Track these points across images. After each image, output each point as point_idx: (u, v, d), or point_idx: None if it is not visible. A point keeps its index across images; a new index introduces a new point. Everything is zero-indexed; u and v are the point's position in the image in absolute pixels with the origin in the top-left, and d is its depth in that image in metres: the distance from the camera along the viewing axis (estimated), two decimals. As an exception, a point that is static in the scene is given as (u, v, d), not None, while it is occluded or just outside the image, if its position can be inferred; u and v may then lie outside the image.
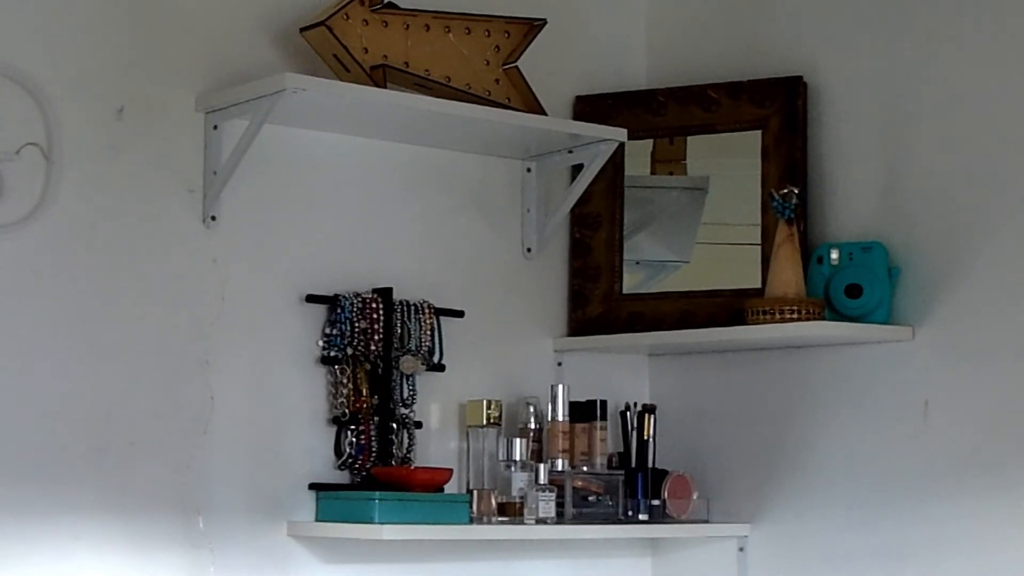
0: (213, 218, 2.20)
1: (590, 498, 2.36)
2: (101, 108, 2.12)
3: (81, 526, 2.07)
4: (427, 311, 2.34)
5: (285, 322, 2.25)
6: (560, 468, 2.36)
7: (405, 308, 2.32)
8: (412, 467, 2.28)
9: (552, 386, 2.41)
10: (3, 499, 2.02)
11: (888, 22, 2.37)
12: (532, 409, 2.41)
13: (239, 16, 2.24)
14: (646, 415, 2.46)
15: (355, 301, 2.28)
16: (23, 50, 2.07)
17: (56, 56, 2.10)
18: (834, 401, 2.37)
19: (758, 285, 2.39)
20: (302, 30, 2.21)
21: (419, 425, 2.34)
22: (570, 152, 2.44)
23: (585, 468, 2.39)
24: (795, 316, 2.26)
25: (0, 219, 2.04)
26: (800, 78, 2.43)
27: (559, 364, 2.52)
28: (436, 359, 2.35)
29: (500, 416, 2.35)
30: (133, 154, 2.15)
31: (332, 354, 2.28)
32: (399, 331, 2.31)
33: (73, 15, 2.12)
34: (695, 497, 2.44)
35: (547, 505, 2.27)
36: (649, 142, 2.54)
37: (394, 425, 2.29)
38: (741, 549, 2.45)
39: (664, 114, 2.52)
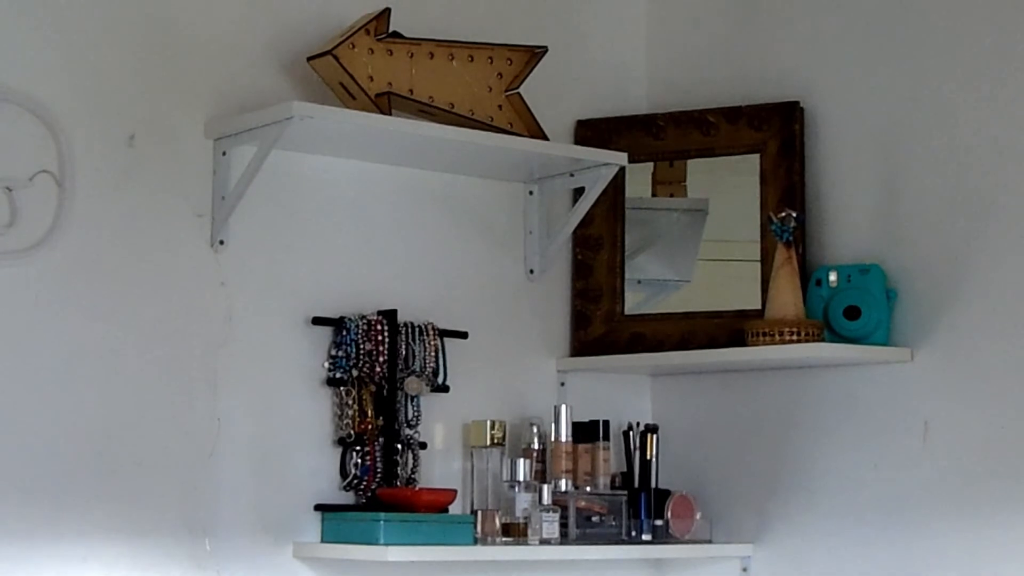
0: (221, 242, 2.23)
1: (593, 518, 2.37)
2: (113, 135, 2.15)
3: (89, 548, 2.09)
4: (431, 332, 2.36)
5: (291, 344, 2.28)
6: (563, 488, 2.37)
7: (410, 330, 2.35)
8: (416, 488, 2.30)
9: (555, 406, 2.43)
10: (12, 521, 2.04)
11: (883, 47, 2.39)
12: (535, 429, 2.42)
13: (248, 45, 2.27)
14: (648, 435, 2.47)
15: (360, 323, 2.31)
16: (37, 79, 2.10)
17: (69, 85, 2.12)
18: (834, 422, 2.38)
19: (758, 306, 2.41)
20: (309, 59, 2.24)
21: (423, 446, 2.36)
22: (572, 175, 2.46)
23: (588, 488, 2.40)
24: (795, 338, 2.28)
25: (14, 245, 2.07)
26: (797, 103, 2.46)
27: (562, 384, 2.54)
28: (440, 380, 2.38)
29: (504, 436, 2.37)
30: (144, 180, 2.17)
31: (338, 376, 2.30)
32: (404, 352, 2.33)
33: (85, 45, 2.14)
34: (698, 517, 2.45)
35: (551, 526, 2.29)
36: (650, 165, 2.56)
37: (399, 446, 2.31)
38: (744, 569, 2.46)
39: (664, 138, 2.55)
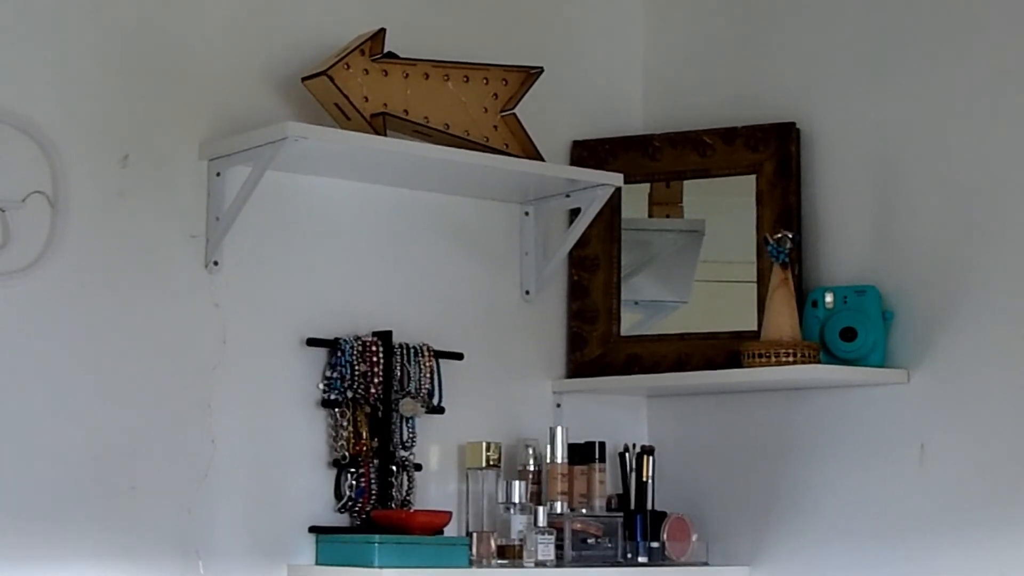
0: (215, 263, 2.23)
1: (589, 540, 2.37)
2: (106, 156, 2.16)
3: (83, 570, 2.08)
4: (426, 354, 2.36)
5: (286, 365, 2.28)
6: (559, 510, 2.37)
7: (405, 351, 2.34)
8: (411, 510, 2.30)
9: (551, 428, 2.43)
10: (6, 543, 2.03)
11: (879, 68, 2.40)
12: (531, 451, 2.42)
13: (242, 65, 2.28)
14: (645, 457, 2.47)
15: (355, 344, 2.30)
16: (30, 100, 2.10)
17: (62, 106, 2.13)
18: (831, 443, 2.38)
19: (754, 327, 2.41)
20: (304, 79, 2.25)
21: (419, 467, 2.35)
22: (567, 196, 2.46)
23: (584, 510, 2.40)
24: (791, 359, 2.28)
25: (7, 266, 2.07)
26: (793, 124, 2.47)
27: (558, 406, 2.54)
28: (435, 401, 2.37)
29: (499, 458, 2.36)
30: (137, 201, 2.18)
31: (332, 397, 2.30)
32: (399, 374, 2.33)
33: (78, 65, 2.15)
34: (694, 539, 2.45)
35: (546, 548, 2.28)
36: (646, 186, 2.57)
37: (394, 468, 2.31)
38: (740, 591, 2.46)
39: (660, 159, 2.55)
